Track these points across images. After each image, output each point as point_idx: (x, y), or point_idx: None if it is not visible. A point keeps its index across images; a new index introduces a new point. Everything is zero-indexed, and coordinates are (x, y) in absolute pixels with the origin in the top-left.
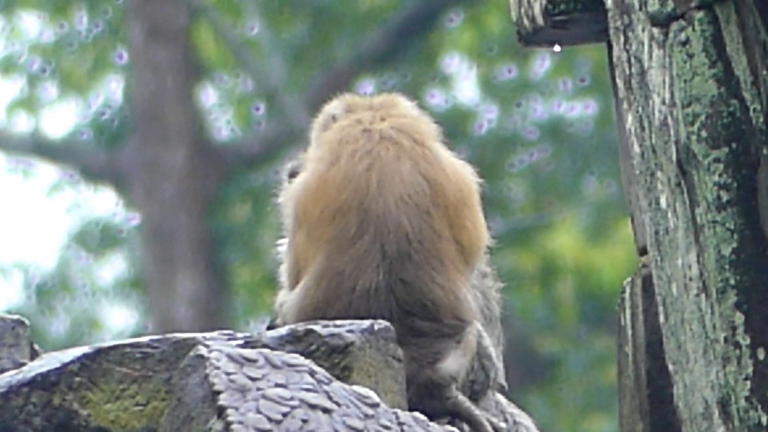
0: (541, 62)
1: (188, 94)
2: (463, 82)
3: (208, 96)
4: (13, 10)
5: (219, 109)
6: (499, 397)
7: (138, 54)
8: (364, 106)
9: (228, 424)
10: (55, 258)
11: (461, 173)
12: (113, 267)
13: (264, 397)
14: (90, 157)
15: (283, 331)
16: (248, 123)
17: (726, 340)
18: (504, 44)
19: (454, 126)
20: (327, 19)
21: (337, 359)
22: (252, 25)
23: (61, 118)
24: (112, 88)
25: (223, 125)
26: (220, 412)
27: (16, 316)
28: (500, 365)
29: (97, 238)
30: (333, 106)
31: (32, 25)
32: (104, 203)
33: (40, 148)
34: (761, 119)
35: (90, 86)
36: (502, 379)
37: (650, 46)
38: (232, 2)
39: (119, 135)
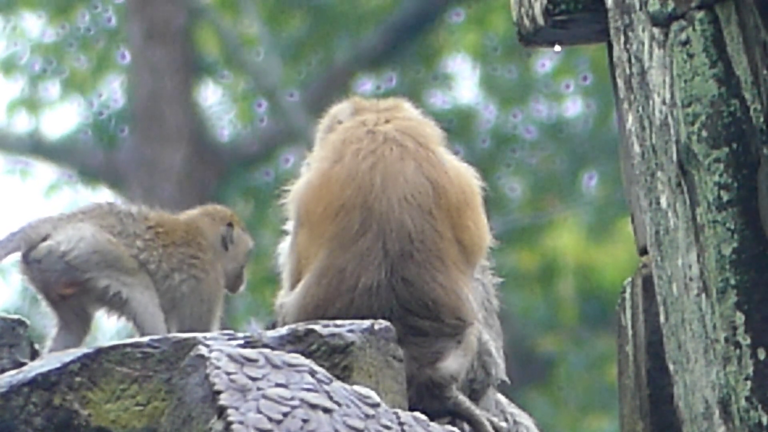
0: (542, 62)
1: (187, 93)
2: (463, 81)
3: (207, 96)
4: (14, 10)
5: (218, 109)
6: (500, 396)
7: (137, 54)
8: (371, 109)
9: (228, 424)
10: None
11: (464, 175)
12: None
13: (264, 396)
14: (88, 157)
15: (283, 330)
16: (247, 122)
17: (726, 340)
18: (505, 44)
19: (454, 125)
20: (326, 18)
21: (337, 359)
22: (251, 24)
23: (62, 118)
24: (113, 88)
25: (222, 125)
26: (221, 411)
27: (16, 316)
28: (500, 361)
29: None
30: (339, 109)
31: (34, 25)
32: None
33: (38, 148)
34: (761, 119)
35: (91, 86)
36: (503, 375)
37: (651, 46)
38: (231, 2)
39: (118, 135)
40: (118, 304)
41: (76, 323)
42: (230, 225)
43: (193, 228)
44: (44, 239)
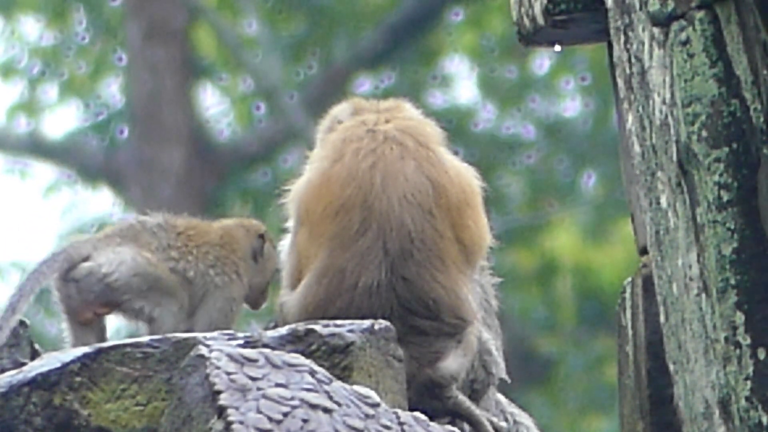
0: (540, 62)
1: (186, 94)
2: (461, 81)
3: (206, 96)
4: (12, 14)
5: (217, 109)
6: (500, 396)
7: (136, 54)
8: (371, 110)
9: (228, 424)
10: None
11: (464, 175)
12: None
13: (264, 396)
14: (87, 157)
15: (283, 330)
16: (246, 122)
17: (726, 339)
18: (503, 44)
19: (453, 125)
20: (325, 18)
21: (337, 359)
22: (250, 24)
23: (62, 118)
24: (112, 89)
25: (221, 125)
26: (221, 411)
27: None
28: (501, 360)
29: None
30: (339, 109)
31: (32, 29)
32: (101, 203)
33: (37, 148)
34: (761, 119)
35: (89, 88)
36: (503, 374)
37: (651, 46)
38: (230, 2)
39: (117, 135)
40: (147, 320)
41: (92, 342)
42: (262, 238)
43: (228, 235)
44: (85, 260)
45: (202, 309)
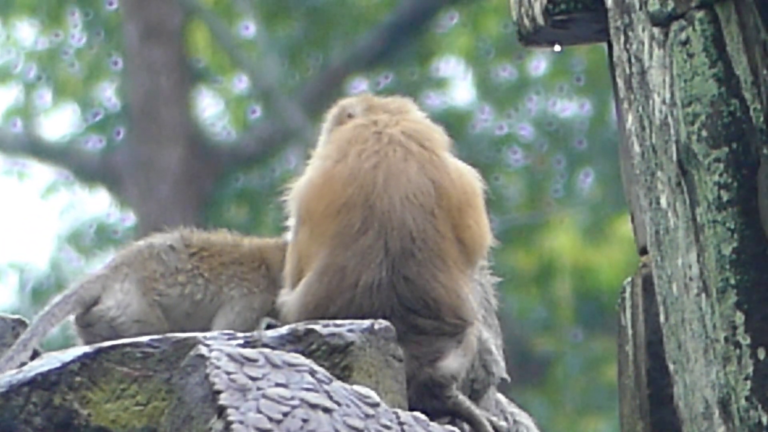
0: (536, 62)
1: (183, 94)
2: (458, 82)
3: (203, 97)
4: (7, 19)
5: (214, 110)
6: (500, 396)
7: (133, 55)
8: (381, 109)
9: (228, 424)
10: (50, 259)
11: (466, 176)
12: None
13: (264, 396)
14: (85, 158)
15: (283, 330)
16: (243, 123)
17: (726, 339)
18: (499, 45)
19: (449, 127)
20: (322, 19)
21: (337, 359)
22: (247, 25)
23: (57, 123)
24: (109, 89)
25: (218, 126)
26: (221, 411)
27: (16, 316)
28: (501, 359)
29: (92, 239)
30: (349, 103)
31: (27, 33)
32: (99, 204)
33: (35, 149)
34: (761, 119)
35: (86, 91)
36: (503, 373)
37: (650, 46)
38: (227, 3)
39: (114, 135)
40: None
41: None
42: None
43: (257, 254)
44: (95, 302)
45: (220, 313)
